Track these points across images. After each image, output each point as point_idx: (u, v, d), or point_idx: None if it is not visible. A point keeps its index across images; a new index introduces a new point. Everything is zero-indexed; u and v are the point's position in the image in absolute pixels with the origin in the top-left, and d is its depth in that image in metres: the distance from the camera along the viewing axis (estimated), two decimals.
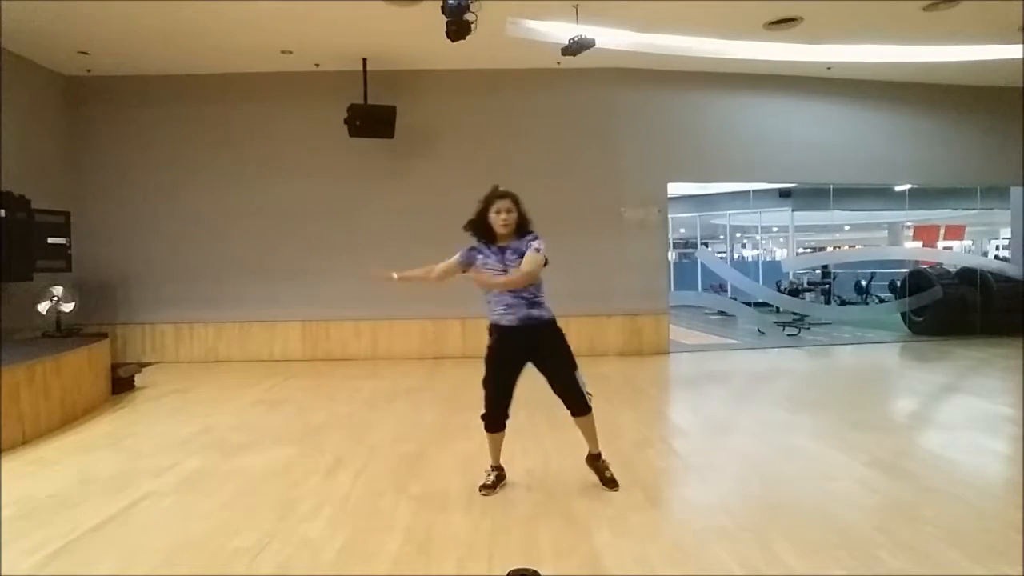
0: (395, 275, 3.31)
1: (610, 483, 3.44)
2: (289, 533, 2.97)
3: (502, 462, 3.57)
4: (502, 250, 3.28)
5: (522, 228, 3.29)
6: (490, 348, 3.38)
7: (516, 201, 3.28)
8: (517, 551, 2.74)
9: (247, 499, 3.43)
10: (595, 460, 3.52)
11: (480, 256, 3.31)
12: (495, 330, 3.34)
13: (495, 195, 3.28)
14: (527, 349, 3.31)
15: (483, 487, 3.45)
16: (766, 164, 8.66)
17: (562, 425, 4.72)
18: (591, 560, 2.66)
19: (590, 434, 3.47)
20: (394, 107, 7.43)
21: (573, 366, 3.37)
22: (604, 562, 2.64)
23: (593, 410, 3.43)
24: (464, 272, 3.35)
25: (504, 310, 3.26)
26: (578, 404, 3.38)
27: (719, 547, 2.76)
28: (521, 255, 3.22)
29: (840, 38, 7.25)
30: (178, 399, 6.02)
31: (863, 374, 7.41)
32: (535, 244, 3.22)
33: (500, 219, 3.22)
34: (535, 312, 3.27)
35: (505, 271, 3.22)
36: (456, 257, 3.36)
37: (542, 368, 3.38)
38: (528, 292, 3.25)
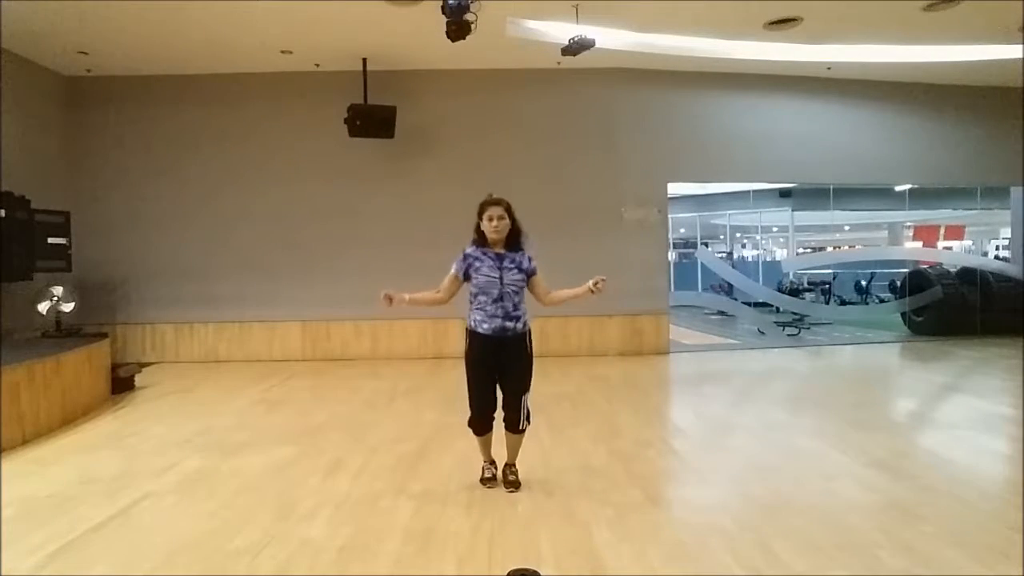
0: (407, 296, 3.30)
1: (512, 484, 3.47)
2: (289, 533, 2.97)
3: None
4: (499, 256, 3.36)
5: (515, 236, 3.39)
6: (468, 353, 3.43)
7: (508, 208, 3.35)
8: (517, 551, 2.74)
9: (247, 499, 3.43)
10: (509, 467, 3.56)
11: (477, 262, 3.35)
12: (471, 336, 3.41)
13: (487, 202, 3.36)
14: (495, 356, 3.37)
15: (485, 480, 3.54)
16: (766, 164, 8.66)
17: (562, 426, 4.75)
18: (591, 560, 2.66)
19: (514, 449, 3.55)
20: (394, 107, 7.43)
21: (526, 387, 3.42)
22: (604, 562, 2.64)
23: (525, 434, 3.51)
24: (465, 281, 3.39)
25: (483, 318, 3.35)
26: (513, 422, 3.44)
27: (719, 547, 2.76)
28: (519, 268, 3.35)
29: (840, 38, 7.25)
30: (178, 399, 6.02)
31: (863, 374, 7.40)
32: (534, 264, 3.40)
33: (492, 226, 3.31)
34: (509, 324, 3.34)
35: (500, 278, 3.31)
36: (453, 271, 3.39)
37: (499, 376, 3.43)
38: (510, 305, 3.33)
